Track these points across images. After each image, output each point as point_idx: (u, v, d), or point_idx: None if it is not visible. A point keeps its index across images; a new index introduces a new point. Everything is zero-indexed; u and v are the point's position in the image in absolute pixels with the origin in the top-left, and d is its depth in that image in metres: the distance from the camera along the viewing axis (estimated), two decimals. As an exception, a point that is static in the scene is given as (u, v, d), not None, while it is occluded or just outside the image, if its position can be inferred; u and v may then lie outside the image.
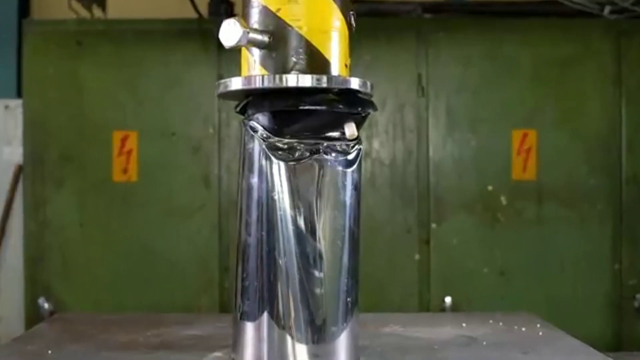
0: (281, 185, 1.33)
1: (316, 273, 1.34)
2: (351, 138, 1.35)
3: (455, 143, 3.76)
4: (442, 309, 3.70)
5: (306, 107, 1.31)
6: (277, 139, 1.34)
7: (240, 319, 1.38)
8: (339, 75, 1.37)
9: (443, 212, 3.75)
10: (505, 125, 3.76)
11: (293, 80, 1.32)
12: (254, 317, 1.36)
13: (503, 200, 3.75)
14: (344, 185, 1.37)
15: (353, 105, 1.34)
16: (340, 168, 1.36)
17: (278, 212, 1.34)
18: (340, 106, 1.32)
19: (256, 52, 1.37)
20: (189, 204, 3.76)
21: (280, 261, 1.33)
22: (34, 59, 3.78)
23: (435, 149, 3.76)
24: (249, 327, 1.37)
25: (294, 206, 1.33)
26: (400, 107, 3.77)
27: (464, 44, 3.78)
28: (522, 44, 3.77)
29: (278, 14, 1.35)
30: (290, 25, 1.35)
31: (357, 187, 1.39)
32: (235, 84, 1.37)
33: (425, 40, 3.78)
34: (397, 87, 3.77)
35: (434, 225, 3.75)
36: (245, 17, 1.37)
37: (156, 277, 3.72)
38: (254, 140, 1.36)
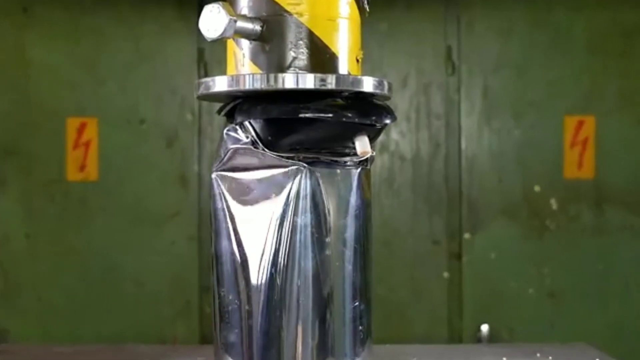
0: (277, 187, 1.34)
1: (325, 294, 1.35)
2: (362, 156, 1.34)
3: (493, 133, 3.76)
4: (478, 339, 3.71)
5: (308, 116, 1.31)
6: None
7: (224, 351, 1.39)
8: (349, 74, 1.37)
9: (478, 219, 3.75)
10: (556, 111, 3.76)
11: (291, 80, 1.32)
12: (240, 350, 1.37)
13: (553, 203, 3.76)
14: (353, 186, 1.37)
15: (366, 113, 1.34)
16: (348, 167, 1.38)
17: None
18: (350, 114, 1.32)
19: (246, 44, 1.37)
20: (161, 209, 3.77)
21: (278, 280, 1.34)
22: (-32, 28, 3.80)
23: (468, 141, 3.76)
24: (234, 363, 1.38)
25: (301, 212, 1.33)
26: (425, 88, 3.77)
27: (504, 9, 3.77)
28: (576, 10, 3.76)
29: (273, -4, 1.35)
30: (287, 11, 1.35)
31: (368, 188, 1.40)
32: (220, 84, 1.37)
33: (456, 4, 3.77)
34: (421, 63, 3.77)
35: (467, 236, 3.75)
36: (232, 2, 1.37)
37: (121, 300, 3.73)
38: (241, 136, 1.36)
